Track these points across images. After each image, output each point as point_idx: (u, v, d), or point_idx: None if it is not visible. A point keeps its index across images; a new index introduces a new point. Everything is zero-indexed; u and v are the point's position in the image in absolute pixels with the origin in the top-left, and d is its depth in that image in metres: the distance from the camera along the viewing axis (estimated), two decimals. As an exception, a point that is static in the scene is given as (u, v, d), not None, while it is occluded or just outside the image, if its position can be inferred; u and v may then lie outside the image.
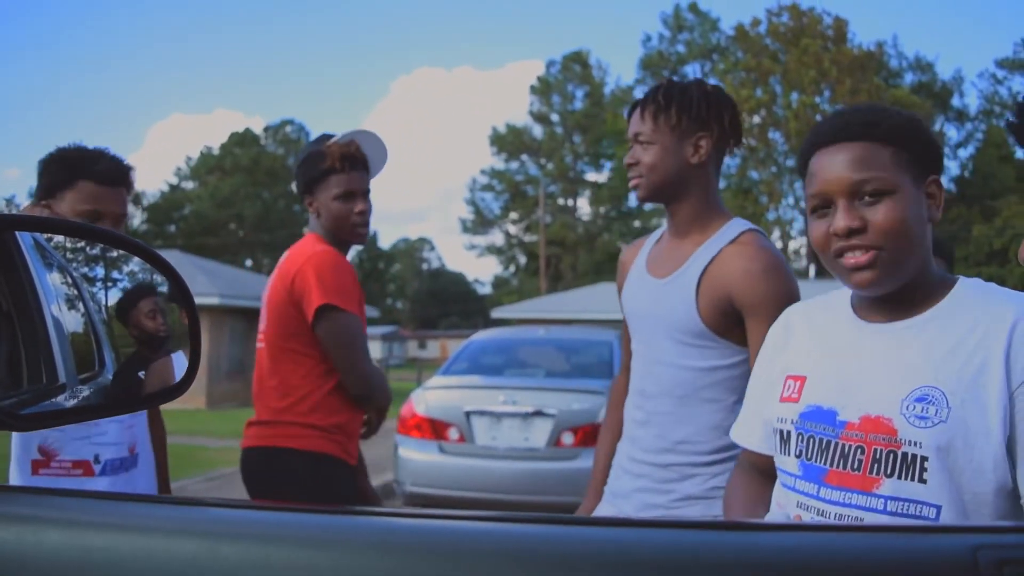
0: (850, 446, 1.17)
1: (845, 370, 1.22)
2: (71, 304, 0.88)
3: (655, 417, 1.80)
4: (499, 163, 48.30)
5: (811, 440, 1.21)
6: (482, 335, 7.44)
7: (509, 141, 47.22)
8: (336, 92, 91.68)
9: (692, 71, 41.20)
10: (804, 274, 30.89)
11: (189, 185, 51.03)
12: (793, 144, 32.83)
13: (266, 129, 53.57)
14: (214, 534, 0.54)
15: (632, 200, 44.14)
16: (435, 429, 5.63)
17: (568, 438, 5.38)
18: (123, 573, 0.52)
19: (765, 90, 34.79)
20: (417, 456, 5.63)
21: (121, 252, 0.88)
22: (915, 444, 1.11)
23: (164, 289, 0.92)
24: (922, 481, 1.11)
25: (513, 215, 48.76)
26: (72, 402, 0.83)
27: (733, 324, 1.71)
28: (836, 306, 1.33)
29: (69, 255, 0.89)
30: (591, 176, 47.52)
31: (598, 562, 0.49)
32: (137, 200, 45.74)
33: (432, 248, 70.49)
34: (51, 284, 0.83)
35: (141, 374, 0.99)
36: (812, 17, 35.81)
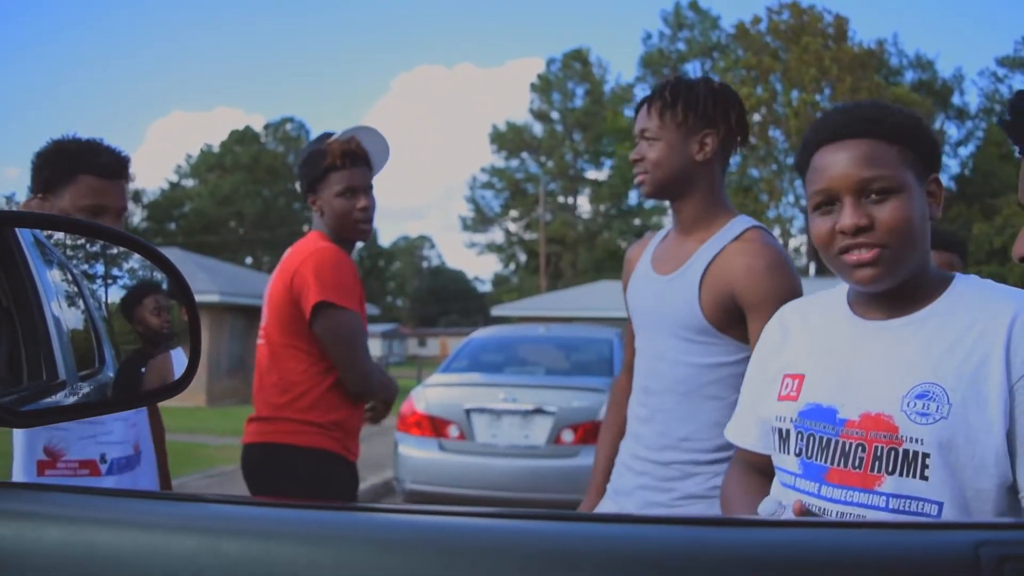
0: (851, 444, 1.16)
1: (844, 368, 1.22)
2: (71, 301, 0.88)
3: (658, 414, 1.81)
4: (499, 161, 48.32)
5: (811, 438, 1.21)
6: (482, 333, 7.45)
7: (509, 139, 47.19)
8: (336, 90, 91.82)
9: (692, 69, 41.17)
10: (804, 272, 30.87)
11: (189, 183, 51.05)
12: (793, 142, 32.81)
13: (266, 127, 53.62)
14: (214, 530, 0.54)
15: (632, 198, 44.36)
16: (435, 426, 5.64)
17: (568, 436, 5.39)
18: (124, 569, 0.52)
19: (765, 88, 34.77)
20: (417, 453, 5.64)
21: (121, 249, 0.88)
22: (916, 441, 1.11)
23: (165, 286, 0.92)
24: (923, 478, 1.11)
25: (513, 213, 48.74)
26: (72, 399, 0.83)
27: (736, 320, 1.71)
28: (832, 304, 1.33)
29: (69, 252, 0.89)
30: (591, 174, 47.54)
31: (598, 558, 0.49)
32: (137, 198, 45.76)
33: (432, 246, 70.61)
34: (51, 281, 0.83)
35: (143, 371, 0.99)
36: (813, 15, 35.79)
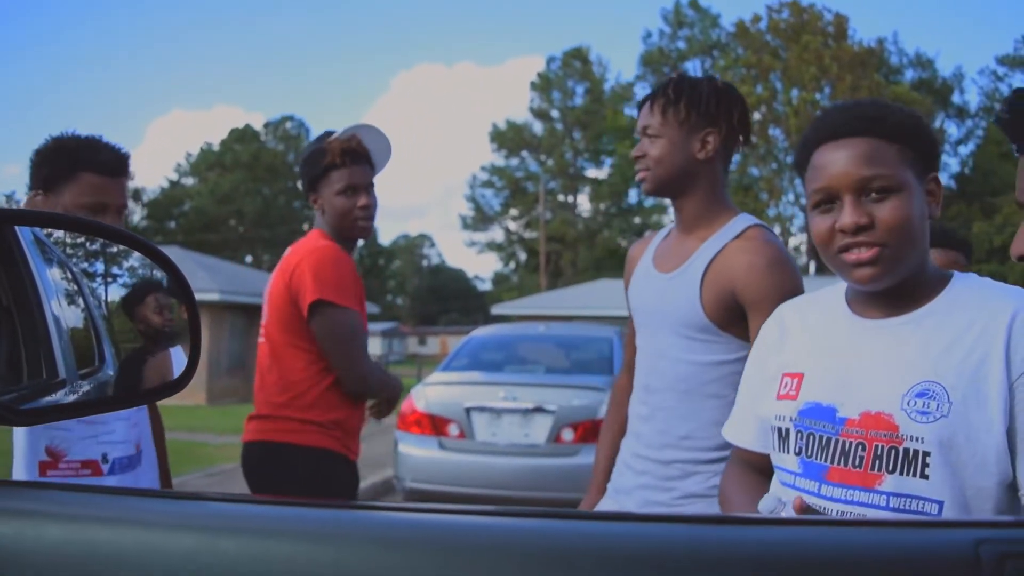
0: (851, 443, 1.16)
1: (843, 367, 1.22)
2: (71, 299, 0.88)
3: (659, 412, 1.80)
4: (499, 159, 48.30)
5: (811, 437, 1.21)
6: (482, 331, 7.44)
7: (509, 137, 47.17)
8: (336, 88, 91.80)
9: (692, 67, 41.15)
10: (805, 271, 30.83)
11: (189, 181, 51.05)
12: (793, 140, 32.76)
13: (266, 125, 53.61)
14: (214, 528, 0.54)
15: (632, 196, 44.36)
16: (435, 425, 5.64)
17: (568, 434, 5.39)
18: (123, 567, 0.52)
19: (765, 86, 34.75)
20: (417, 452, 5.64)
21: (121, 247, 0.88)
22: (917, 440, 1.11)
23: (165, 285, 0.92)
24: (924, 477, 1.11)
25: (513, 211, 48.72)
26: (72, 397, 0.83)
27: (737, 318, 1.71)
28: (830, 302, 1.33)
29: (69, 250, 0.89)
30: (591, 172, 47.52)
31: (597, 556, 0.49)
32: (137, 196, 45.76)
33: (432, 244, 70.66)
34: (51, 279, 0.83)
35: (143, 369, 0.99)
36: (813, 13, 35.76)
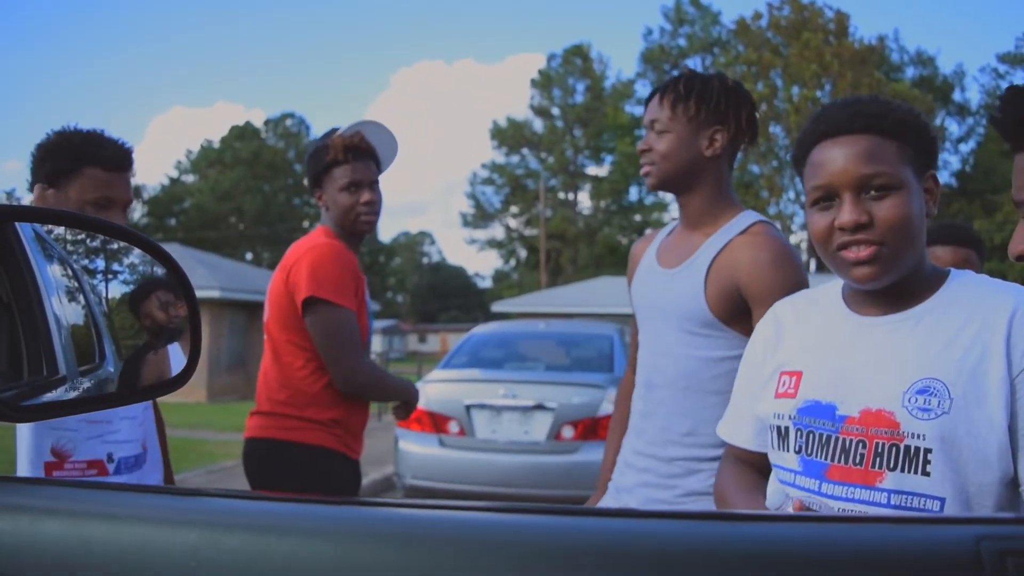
0: (851, 440, 1.16)
1: (842, 364, 1.22)
2: (71, 296, 0.88)
3: (660, 408, 1.80)
4: (500, 157, 48.27)
5: (810, 435, 1.21)
6: (482, 329, 7.44)
7: (510, 135, 47.14)
8: (337, 85, 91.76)
9: (693, 65, 41.05)
10: (805, 268, 30.80)
11: (189, 178, 51.07)
12: (794, 138, 32.68)
13: (267, 122, 53.58)
14: (214, 524, 0.54)
15: (633, 194, 44.35)
16: (435, 422, 5.64)
17: (568, 431, 5.39)
18: (123, 564, 0.52)
19: (766, 84, 34.70)
20: (417, 449, 5.64)
21: (122, 244, 0.88)
22: (918, 437, 1.11)
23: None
24: (925, 474, 1.11)
25: (513, 209, 48.72)
26: (72, 394, 0.83)
27: (740, 314, 1.71)
28: (826, 300, 1.32)
29: (69, 247, 0.89)
30: (592, 170, 47.51)
31: (598, 553, 0.49)
32: (137, 193, 45.68)
33: (432, 242, 70.63)
34: (51, 276, 0.83)
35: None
36: (813, 11, 35.71)
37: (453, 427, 5.61)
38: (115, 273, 0.90)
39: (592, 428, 5.32)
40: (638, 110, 42.61)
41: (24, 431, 1.64)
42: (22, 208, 0.85)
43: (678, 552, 0.49)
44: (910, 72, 39.56)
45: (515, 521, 0.54)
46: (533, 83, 47.21)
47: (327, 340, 2.24)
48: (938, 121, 37.02)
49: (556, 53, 47.54)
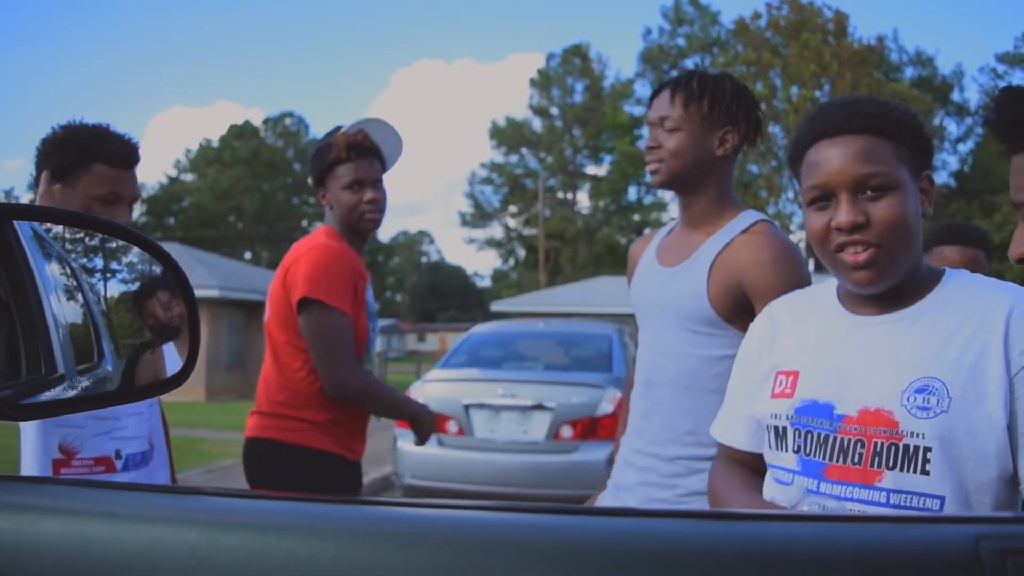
0: (849, 440, 1.16)
1: (839, 363, 1.22)
2: (70, 295, 0.88)
3: (660, 407, 1.80)
4: (499, 156, 48.24)
5: (808, 435, 1.21)
6: (481, 328, 7.45)
7: (509, 134, 47.12)
8: (336, 84, 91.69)
9: (692, 65, 41.06)
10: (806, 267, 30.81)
11: (188, 177, 51.01)
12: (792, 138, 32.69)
13: (265, 121, 53.51)
14: (214, 523, 0.54)
15: (632, 194, 44.37)
16: (434, 422, 5.63)
17: (567, 431, 5.39)
18: (123, 562, 0.52)
19: (765, 84, 34.69)
20: (416, 449, 5.63)
21: (121, 242, 0.88)
22: (917, 435, 1.11)
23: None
24: (924, 473, 1.11)
25: (512, 208, 48.69)
26: (71, 393, 0.83)
27: (743, 312, 1.70)
28: (821, 300, 1.32)
29: (68, 245, 0.89)
30: (590, 169, 47.48)
31: (598, 551, 0.49)
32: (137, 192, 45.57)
33: (431, 241, 70.61)
34: (50, 275, 0.83)
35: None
36: (812, 11, 35.71)
37: (452, 427, 5.61)
38: (114, 272, 0.90)
39: (591, 428, 5.32)
40: (637, 110, 42.66)
41: (30, 429, 1.63)
42: (21, 206, 0.85)
43: (678, 551, 0.49)
44: (909, 72, 39.59)
45: (514, 520, 0.54)
46: (532, 83, 47.20)
47: (317, 341, 2.21)
48: (937, 121, 37.03)
49: (555, 53, 47.54)
